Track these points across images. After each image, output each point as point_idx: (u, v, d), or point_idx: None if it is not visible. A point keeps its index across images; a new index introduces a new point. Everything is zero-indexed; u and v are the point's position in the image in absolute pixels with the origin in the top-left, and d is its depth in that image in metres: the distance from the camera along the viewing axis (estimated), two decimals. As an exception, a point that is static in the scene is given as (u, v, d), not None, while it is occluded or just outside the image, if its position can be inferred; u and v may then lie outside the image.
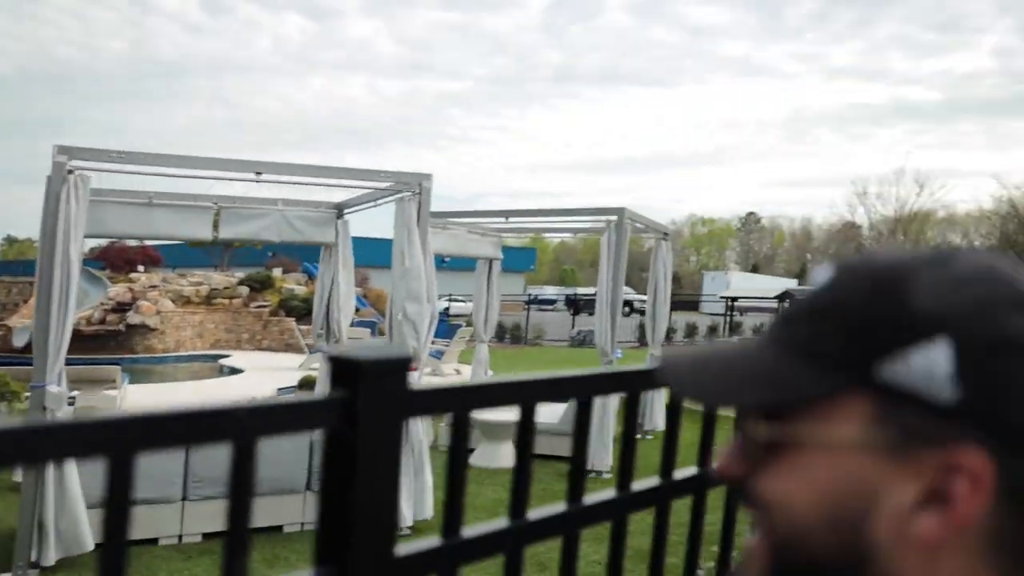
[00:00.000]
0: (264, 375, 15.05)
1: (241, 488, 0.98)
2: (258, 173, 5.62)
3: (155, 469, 5.37)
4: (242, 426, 0.96)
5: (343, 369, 1.03)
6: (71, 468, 4.92)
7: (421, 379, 6.29)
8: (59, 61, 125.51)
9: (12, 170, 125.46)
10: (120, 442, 0.86)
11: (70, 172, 5.04)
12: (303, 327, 18.43)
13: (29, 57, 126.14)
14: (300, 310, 20.51)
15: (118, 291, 19.99)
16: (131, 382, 11.80)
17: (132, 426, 0.87)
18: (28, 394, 9.83)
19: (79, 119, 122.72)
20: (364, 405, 1.01)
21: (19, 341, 18.68)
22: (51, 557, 4.81)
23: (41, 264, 5.01)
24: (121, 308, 19.27)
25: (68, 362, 5.28)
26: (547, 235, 25.72)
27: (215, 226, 6.61)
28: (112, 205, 5.96)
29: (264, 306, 21.46)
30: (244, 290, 22.15)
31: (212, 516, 5.34)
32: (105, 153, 5.35)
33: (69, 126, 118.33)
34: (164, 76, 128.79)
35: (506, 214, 9.28)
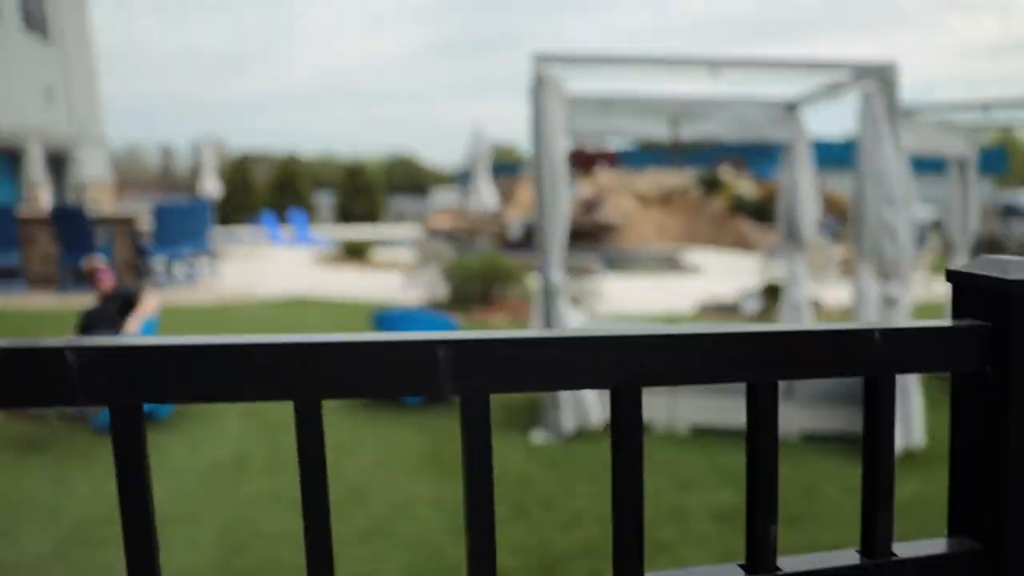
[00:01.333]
0: (722, 276, 15.52)
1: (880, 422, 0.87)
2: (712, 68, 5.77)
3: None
4: (878, 357, 0.84)
5: (979, 291, 0.87)
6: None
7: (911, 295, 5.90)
8: None
9: (489, 81, 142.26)
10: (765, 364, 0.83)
11: (548, 78, 5.60)
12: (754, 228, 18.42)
13: None
14: (750, 209, 20.53)
15: (585, 191, 21.91)
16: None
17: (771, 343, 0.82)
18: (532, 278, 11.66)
19: (528, 28, 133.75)
20: (1018, 338, 0.83)
21: (514, 233, 21.85)
22: (567, 427, 5.83)
23: (536, 164, 5.69)
24: (589, 206, 21.11)
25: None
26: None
27: (673, 124, 6.85)
28: (578, 105, 6.41)
29: (717, 207, 21.80)
30: (697, 190, 22.72)
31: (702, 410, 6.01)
32: (580, 58, 5.87)
33: (520, 36, 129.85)
34: None
35: (981, 105, 8.11)
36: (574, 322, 6.14)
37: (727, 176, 23.67)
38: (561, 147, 5.70)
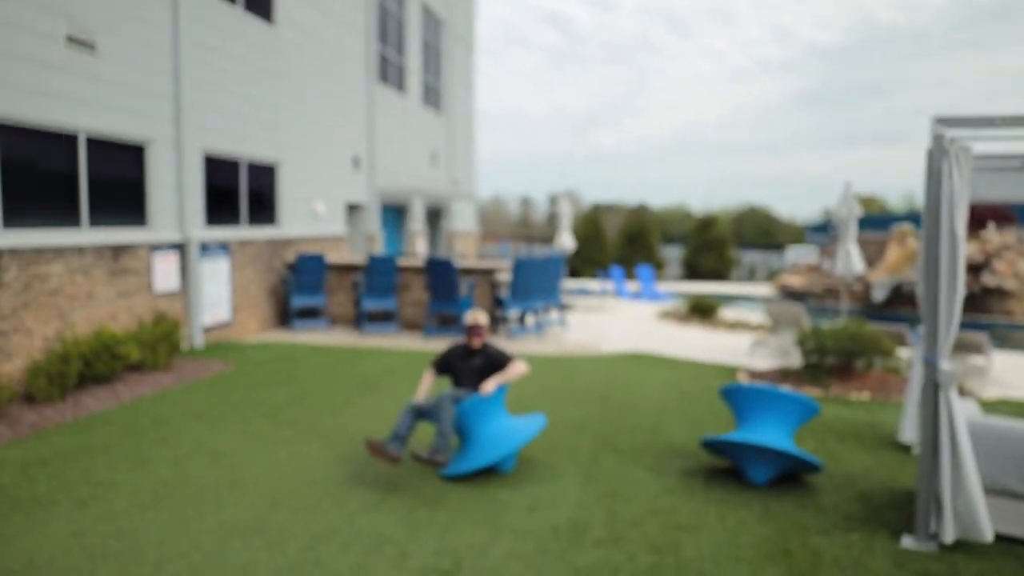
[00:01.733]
0: None
1: None
2: None
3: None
4: None
5: None
6: (966, 449, 4.88)
7: None
8: (882, 26, 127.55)
9: (851, 132, 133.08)
10: None
11: (951, 143, 4.91)
12: None
13: (855, 27, 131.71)
14: None
15: (971, 251, 19.22)
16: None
17: None
18: (902, 354, 10.29)
19: (900, 79, 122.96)
20: None
21: (878, 296, 19.80)
22: (948, 534, 4.86)
23: (927, 235, 5.01)
24: (974, 269, 18.47)
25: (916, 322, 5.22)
26: None
27: None
28: (982, 172, 5.56)
29: None
30: None
31: None
32: (987, 120, 5.03)
33: (891, 86, 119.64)
34: (987, 20, 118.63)
35: None
36: (963, 415, 5.12)
37: None
38: (962, 218, 4.89)
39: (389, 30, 19.74)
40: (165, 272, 10.73)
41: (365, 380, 9.69)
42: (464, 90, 26.89)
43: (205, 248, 11.54)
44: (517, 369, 6.46)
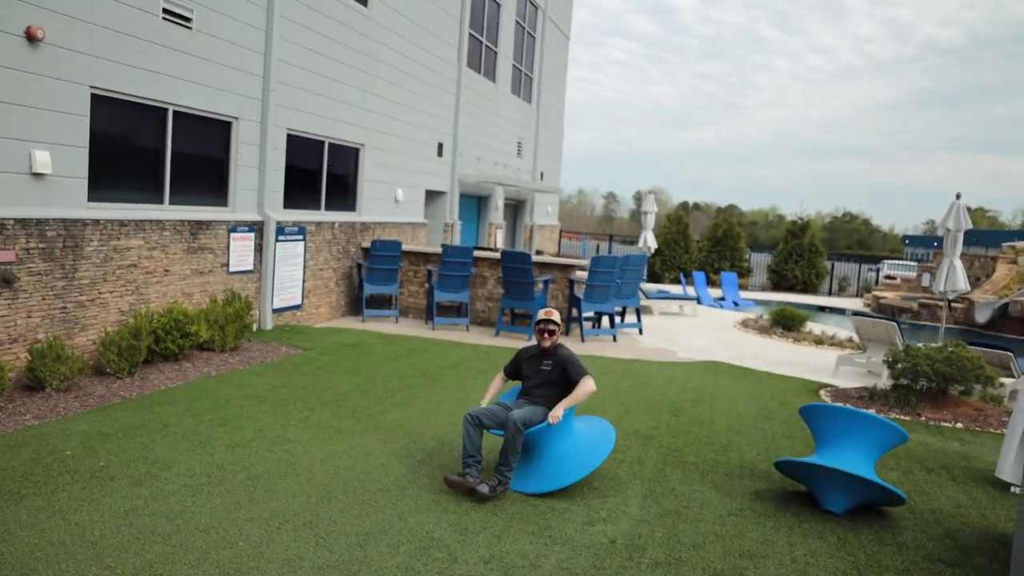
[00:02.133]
0: None
1: None
2: None
3: None
4: None
5: None
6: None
7: None
8: (1013, 21, 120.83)
9: (971, 136, 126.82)
10: None
11: None
12: None
13: (981, 22, 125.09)
14: None
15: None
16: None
17: None
18: (1004, 382, 9.58)
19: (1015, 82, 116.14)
20: None
21: (981, 317, 18.67)
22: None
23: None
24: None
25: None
26: None
27: None
28: None
29: None
30: None
31: None
32: None
33: (1016, 87, 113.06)
34: None
35: None
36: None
37: None
38: None
39: (484, 14, 19.61)
40: (241, 252, 10.83)
41: (431, 373, 9.56)
42: (556, 80, 26.59)
43: (282, 229, 11.61)
44: (586, 388, 5.94)
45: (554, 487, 5.67)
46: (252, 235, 11.05)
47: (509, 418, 5.69)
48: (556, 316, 6.26)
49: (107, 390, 7.54)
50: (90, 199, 8.39)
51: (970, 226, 12.00)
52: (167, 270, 9.47)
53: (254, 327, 11.19)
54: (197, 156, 10.13)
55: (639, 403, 8.66)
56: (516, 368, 6.35)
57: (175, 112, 9.56)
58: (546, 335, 6.18)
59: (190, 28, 9.55)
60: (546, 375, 6.11)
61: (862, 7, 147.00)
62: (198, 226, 9.98)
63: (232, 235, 10.62)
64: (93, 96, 8.30)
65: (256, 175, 11.16)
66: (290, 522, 4.84)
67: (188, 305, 9.72)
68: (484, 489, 5.49)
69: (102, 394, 7.40)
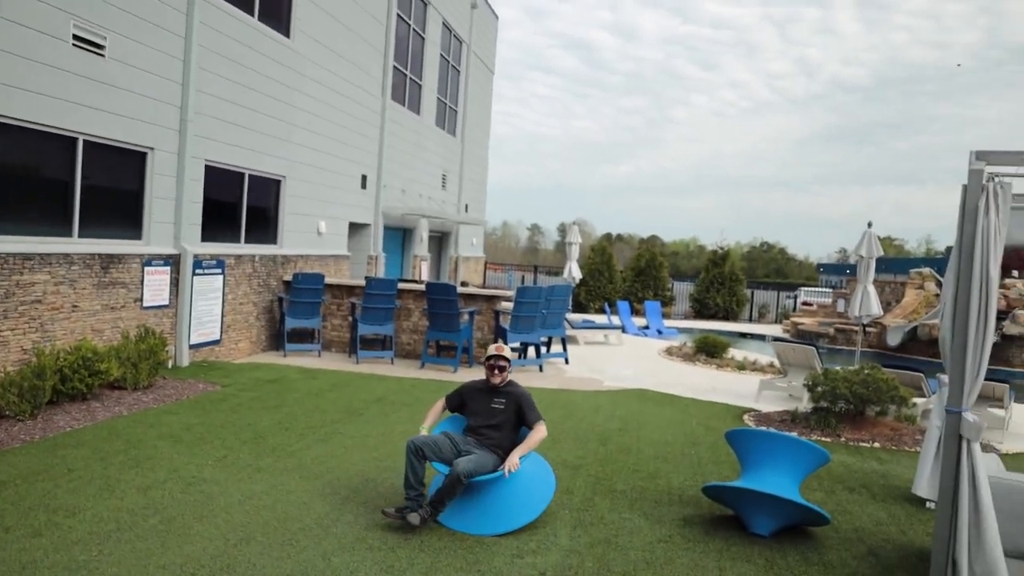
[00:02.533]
0: None
1: None
2: None
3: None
4: None
5: None
6: (989, 508, 4.50)
7: None
8: (909, 64, 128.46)
9: (876, 169, 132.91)
10: None
11: (990, 179, 4.61)
12: None
13: (881, 64, 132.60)
14: None
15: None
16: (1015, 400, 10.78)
17: None
18: (916, 402, 9.89)
19: (929, 117, 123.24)
20: None
21: (892, 340, 19.36)
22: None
23: (958, 278, 4.69)
24: (996, 317, 18.03)
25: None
26: None
27: None
28: (1016, 212, 5.28)
29: None
30: None
31: None
32: None
33: (915, 125, 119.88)
34: (1017, 62, 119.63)
35: None
36: (985, 471, 4.73)
37: None
38: (997, 260, 4.55)
39: (408, 48, 19.61)
40: (156, 286, 10.44)
41: (354, 408, 9.34)
42: (481, 113, 26.75)
43: (199, 263, 11.26)
44: (540, 435, 5.80)
45: (493, 532, 5.48)
46: (168, 269, 10.67)
47: (455, 468, 5.45)
48: (508, 352, 6.05)
49: (5, 434, 7.09)
50: (-10, 232, 7.97)
51: (881, 253, 12.46)
52: (75, 306, 9.04)
53: (169, 364, 10.76)
54: (110, 187, 9.76)
55: (566, 432, 8.61)
56: (460, 401, 6.12)
57: (86, 142, 9.20)
58: (496, 371, 5.97)
59: (103, 55, 9.24)
60: (497, 414, 5.91)
61: (774, 44, 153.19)
62: (110, 260, 9.58)
63: (147, 269, 10.23)
64: (-6, 124, 7.93)
65: (172, 207, 10.81)
66: (206, 567, 4.59)
67: (98, 342, 9.29)
68: (415, 519, 5.33)
69: (0, 438, 6.95)
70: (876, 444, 8.86)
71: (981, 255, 4.55)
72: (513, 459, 5.61)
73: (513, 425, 5.91)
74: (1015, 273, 22.57)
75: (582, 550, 5.24)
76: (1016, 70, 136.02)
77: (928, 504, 6.69)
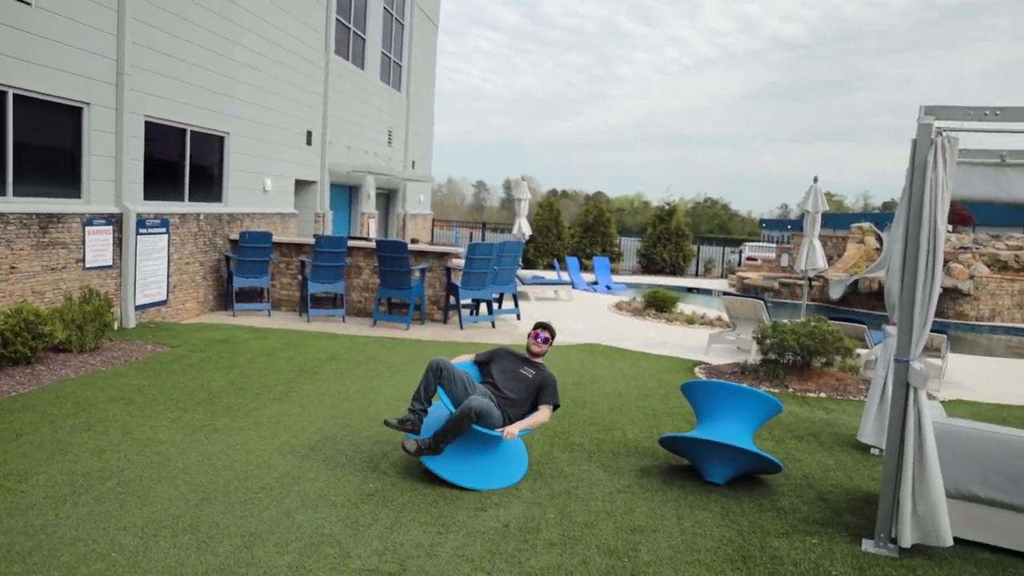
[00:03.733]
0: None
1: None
2: None
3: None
4: None
5: None
6: (933, 453, 4.70)
7: None
8: (847, 21, 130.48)
9: (815, 127, 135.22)
10: None
11: (938, 134, 4.74)
12: None
13: (820, 21, 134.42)
14: None
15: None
16: (949, 350, 11.22)
17: None
18: (859, 353, 10.21)
19: (864, 75, 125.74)
20: None
21: (835, 294, 19.88)
22: (907, 539, 4.69)
23: (907, 230, 4.82)
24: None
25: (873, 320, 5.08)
26: None
27: None
28: (961, 167, 5.45)
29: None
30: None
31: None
32: (976, 111, 4.84)
33: (852, 83, 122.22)
34: (949, 21, 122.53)
35: None
36: (930, 417, 4.93)
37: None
38: (945, 212, 4.69)
39: (351, 1, 19.13)
40: (98, 246, 10.13)
41: (308, 366, 9.26)
42: (426, 68, 26.33)
43: (143, 222, 10.95)
44: (543, 418, 5.95)
45: (467, 485, 5.52)
46: (110, 228, 10.35)
47: (468, 402, 5.51)
48: (554, 329, 6.38)
49: (-51, 399, 6.88)
50: (-80, 191, 7.62)
51: (827, 208, 12.73)
52: (13, 267, 8.73)
53: (116, 325, 10.51)
54: (45, 144, 9.38)
55: (523, 387, 8.69)
56: (490, 357, 6.28)
57: (16, 96, 8.81)
58: (540, 342, 6.19)
59: (29, 3, 8.81)
60: (523, 380, 6.02)
61: (715, 2, 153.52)
62: (48, 219, 9.25)
63: (87, 228, 9.91)
64: (-80, 77, 7.53)
65: (112, 165, 10.46)
66: (168, 528, 4.54)
67: (40, 304, 9.01)
68: (411, 447, 5.49)
69: (-57, 404, 6.73)
70: (822, 394, 9.14)
71: (929, 208, 4.67)
72: (513, 429, 5.69)
73: (529, 399, 6.00)
74: (950, 227, 23.26)
75: (543, 502, 5.33)
76: (947, 29, 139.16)
77: (872, 450, 6.96)
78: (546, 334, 6.25)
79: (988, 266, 18.97)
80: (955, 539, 4.85)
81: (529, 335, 6.30)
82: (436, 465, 5.60)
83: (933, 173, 4.68)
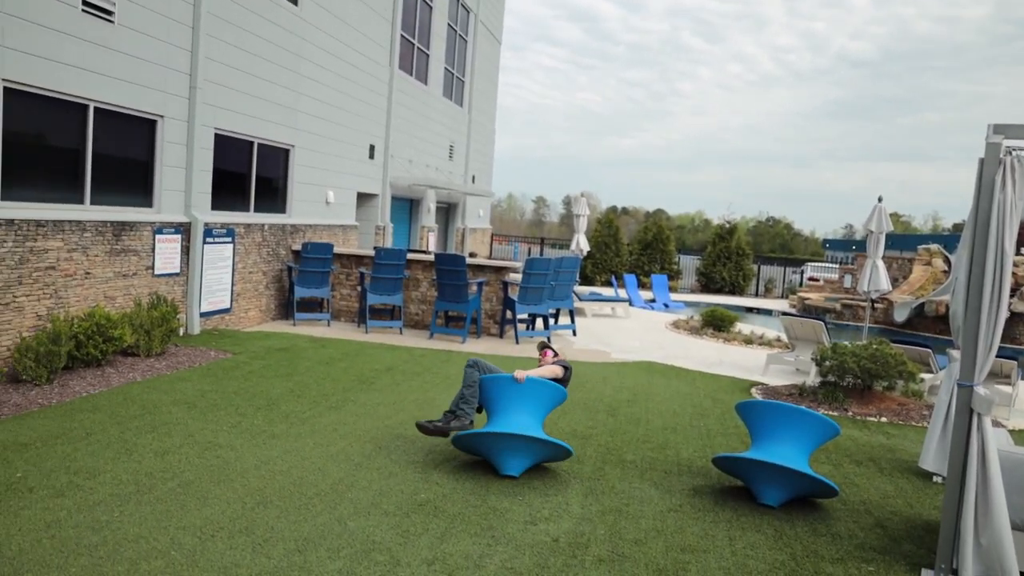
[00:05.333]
0: None
1: None
2: None
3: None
4: None
5: None
6: (997, 481, 4.55)
7: None
8: (917, 38, 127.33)
9: (882, 146, 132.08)
10: None
11: (1007, 153, 4.62)
12: None
13: (889, 38, 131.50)
14: None
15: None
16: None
17: None
18: (923, 377, 9.94)
19: (936, 93, 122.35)
20: None
21: (900, 316, 19.37)
22: (969, 571, 4.54)
23: (973, 252, 4.71)
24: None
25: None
26: None
27: None
28: None
29: None
30: None
31: None
32: None
33: (921, 101, 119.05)
34: None
35: None
36: (995, 445, 4.78)
37: None
38: (1013, 234, 4.58)
39: (416, 17, 19.47)
40: (167, 254, 10.48)
41: (365, 377, 9.41)
42: (488, 83, 26.60)
43: (210, 231, 11.29)
44: (547, 371, 6.51)
45: (504, 429, 5.93)
46: (179, 237, 10.70)
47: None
48: (551, 346, 7.04)
49: (24, 398, 7.18)
50: (3, 198, 7.99)
51: (891, 228, 12.44)
52: (88, 272, 9.09)
53: (181, 331, 10.83)
54: (120, 155, 9.76)
55: (575, 403, 8.68)
56: None
57: (96, 109, 9.19)
58: (543, 356, 6.86)
59: (112, 22, 9.21)
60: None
61: (780, 18, 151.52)
62: (121, 227, 9.61)
63: (157, 237, 10.26)
64: (5, 90, 7.92)
65: (183, 175, 10.82)
66: (224, 529, 4.67)
67: (111, 309, 9.35)
68: (428, 425, 6.28)
69: (18, 402, 7.03)
70: (883, 419, 8.92)
71: (996, 229, 4.56)
72: (520, 374, 6.26)
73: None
74: (1021, 250, 22.50)
75: (594, 518, 5.32)
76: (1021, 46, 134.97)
77: (935, 478, 6.76)
78: (547, 349, 6.90)
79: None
80: (1021, 574, 4.68)
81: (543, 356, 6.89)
82: (470, 431, 6.09)
83: (1001, 193, 4.57)
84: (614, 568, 4.55)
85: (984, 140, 4.74)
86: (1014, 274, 18.90)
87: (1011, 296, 17.86)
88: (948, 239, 34.81)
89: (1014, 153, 4.66)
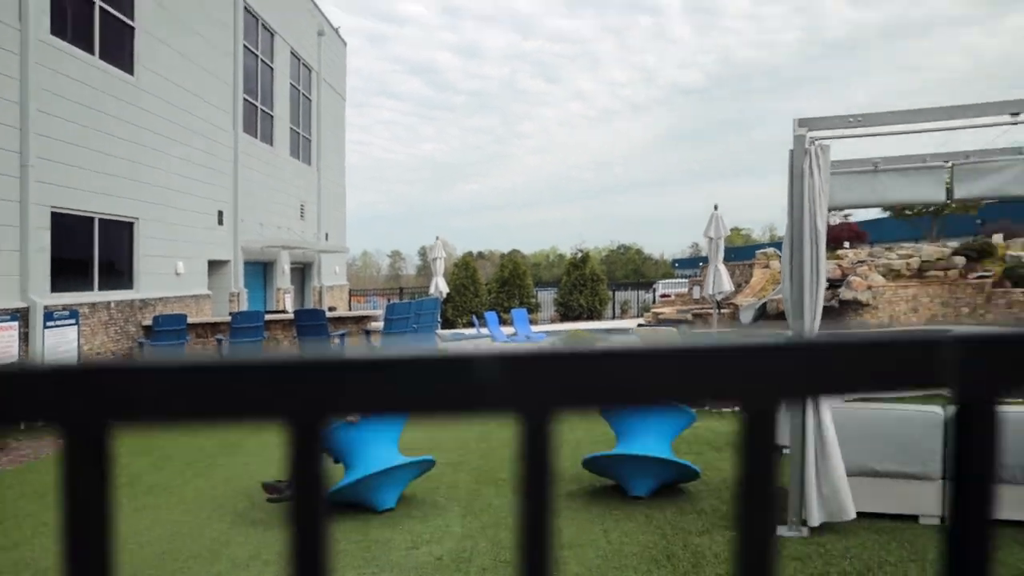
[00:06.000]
0: None
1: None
2: (1015, 114, 4.87)
3: (912, 444, 5.21)
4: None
5: None
6: (833, 441, 5.04)
7: None
8: (739, 64, 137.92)
9: (719, 166, 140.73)
10: None
11: (811, 143, 5.22)
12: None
13: (715, 65, 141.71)
14: (1030, 277, 18.02)
15: (829, 268, 20.41)
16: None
17: None
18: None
19: (762, 111, 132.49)
20: None
21: (745, 318, 20.60)
22: (815, 518, 5.00)
23: (790, 238, 5.24)
24: (832, 285, 19.57)
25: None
26: None
27: (948, 187, 6.05)
28: (838, 176, 5.97)
29: (985, 276, 19.46)
30: (960, 260, 20.43)
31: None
32: (842, 120, 5.36)
33: (750, 120, 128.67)
34: (836, 56, 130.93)
35: None
36: (829, 409, 5.30)
37: (999, 243, 21.20)
38: (824, 215, 5.15)
39: (258, 79, 19.32)
40: (3, 342, 9.88)
41: (231, 441, 9.18)
42: (335, 140, 26.59)
43: (50, 315, 10.74)
44: None
45: (371, 470, 5.79)
46: (15, 324, 10.12)
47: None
48: None
49: None
50: None
51: (728, 233, 13.36)
52: (-86, 371, 8.46)
53: (22, 425, 10.18)
54: (-61, 243, 9.21)
55: (446, 435, 8.80)
56: None
57: (-93, 197, 8.66)
58: None
59: (-83, 105, 8.74)
60: None
61: (613, 53, 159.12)
62: (-52, 319, 9.02)
63: (-10, 325, 9.68)
64: None
65: (17, 258, 10.28)
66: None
67: (-56, 407, 8.70)
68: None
69: None
70: (736, 408, 9.52)
71: (809, 212, 5.12)
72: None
73: None
74: (846, 244, 24.50)
75: (475, 534, 5.45)
76: (831, 64, 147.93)
77: (784, 450, 7.31)
78: None
79: (883, 276, 20.04)
80: (858, 513, 5.19)
81: None
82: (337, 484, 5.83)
83: (810, 179, 5.15)
84: (498, 573, 4.70)
85: (791, 134, 5.35)
86: (840, 266, 20.60)
87: (838, 286, 19.45)
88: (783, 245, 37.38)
89: (816, 143, 5.27)
